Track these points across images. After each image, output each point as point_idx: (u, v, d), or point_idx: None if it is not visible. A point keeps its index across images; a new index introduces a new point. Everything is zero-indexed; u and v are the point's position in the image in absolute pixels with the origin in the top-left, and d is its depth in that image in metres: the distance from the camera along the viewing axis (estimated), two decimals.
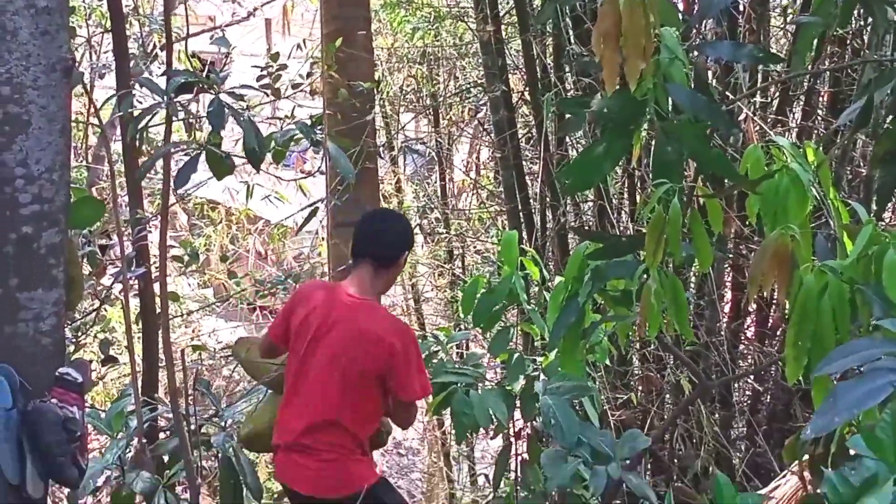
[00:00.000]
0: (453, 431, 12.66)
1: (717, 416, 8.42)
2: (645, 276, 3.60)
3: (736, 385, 8.81)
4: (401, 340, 4.57)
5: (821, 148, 4.05)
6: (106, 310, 9.36)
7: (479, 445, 13.09)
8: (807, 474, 4.35)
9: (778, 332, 8.45)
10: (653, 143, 3.31)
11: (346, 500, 4.63)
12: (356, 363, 4.57)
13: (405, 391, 4.60)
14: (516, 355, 5.14)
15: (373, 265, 4.71)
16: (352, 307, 4.68)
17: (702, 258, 3.52)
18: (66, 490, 7.90)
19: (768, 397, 8.69)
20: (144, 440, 6.34)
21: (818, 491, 2.62)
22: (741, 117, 7.19)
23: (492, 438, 9.86)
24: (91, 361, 5.01)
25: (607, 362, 8.32)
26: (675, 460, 8.32)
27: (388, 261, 4.72)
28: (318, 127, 5.93)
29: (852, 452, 3.27)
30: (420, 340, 5.75)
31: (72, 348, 6.96)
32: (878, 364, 2.50)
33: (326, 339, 4.66)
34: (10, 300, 3.75)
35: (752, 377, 8.61)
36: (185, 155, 6.76)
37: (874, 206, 6.74)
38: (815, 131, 7.91)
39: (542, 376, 4.90)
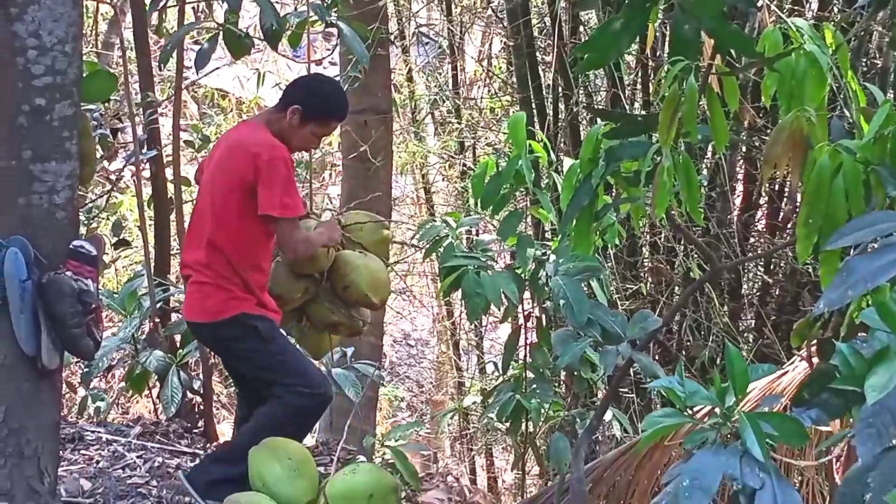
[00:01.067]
0: (462, 319, 12.81)
1: (725, 307, 8.45)
2: (658, 156, 3.59)
3: (745, 276, 8.83)
4: (269, 154, 4.50)
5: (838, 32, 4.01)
6: (116, 197, 9.39)
7: (487, 336, 13.18)
8: (814, 359, 4.38)
9: (789, 225, 8.44)
10: (668, 27, 3.27)
11: (221, 326, 4.64)
12: (226, 174, 4.59)
13: (263, 203, 4.48)
14: (525, 237, 5.14)
15: (276, 105, 4.80)
16: (237, 129, 4.93)
17: (718, 137, 3.50)
18: (79, 370, 8.01)
19: (777, 289, 8.71)
20: (157, 320, 6.41)
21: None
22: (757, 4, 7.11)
23: (500, 323, 9.92)
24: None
25: (617, 252, 8.35)
26: (683, 350, 8.38)
27: (282, 104, 4.72)
28: (333, 10, 5.87)
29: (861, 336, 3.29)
30: (429, 225, 5.74)
31: (83, 231, 6.98)
32: (893, 239, 2.49)
33: (211, 164, 4.77)
34: (24, 172, 3.77)
35: (761, 269, 8.62)
36: (199, 39, 6.72)
37: (890, 94, 6.71)
38: (832, 22, 7.81)
39: (552, 258, 4.89)
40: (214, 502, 4.48)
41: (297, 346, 4.95)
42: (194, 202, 4.97)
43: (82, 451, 6.11)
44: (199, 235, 4.67)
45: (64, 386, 6.61)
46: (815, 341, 4.12)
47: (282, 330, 4.81)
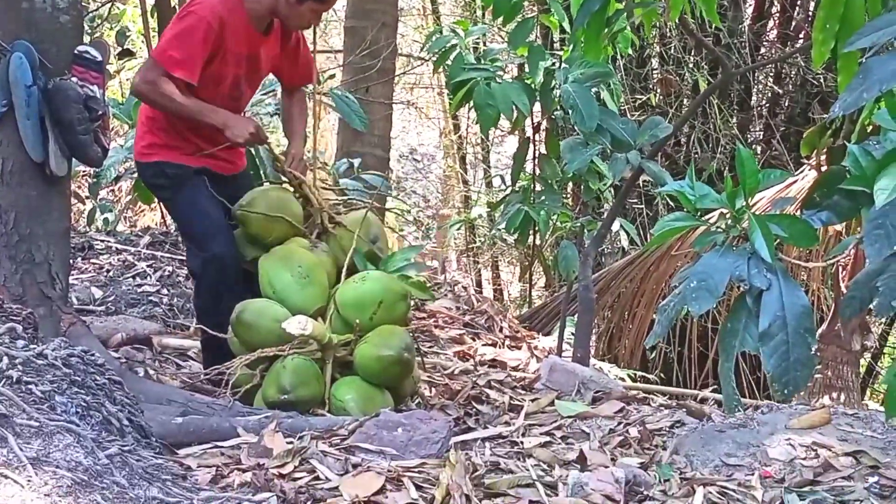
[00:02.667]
0: (469, 133, 12.78)
1: (734, 118, 8.41)
2: None
3: (755, 87, 8.77)
4: (191, 7, 4.23)
5: None
6: (119, 7, 9.24)
7: (494, 150, 13.15)
8: (824, 167, 4.37)
9: (801, 34, 8.34)
10: None
11: (145, 169, 4.52)
12: None
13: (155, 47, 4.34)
14: (536, 46, 5.07)
15: None
16: None
17: None
18: (87, 182, 8.02)
19: (787, 99, 8.66)
20: None
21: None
22: None
23: (510, 134, 9.88)
24: None
25: (626, 63, 8.26)
26: (690, 163, 8.36)
27: None
28: None
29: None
30: (437, 36, 5.66)
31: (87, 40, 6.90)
32: None
33: None
34: None
35: (771, 79, 8.54)
36: None
37: None
38: None
39: (562, 67, 4.84)
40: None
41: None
42: None
43: (92, 261, 6.17)
44: None
45: (72, 198, 6.63)
46: (825, 149, 4.10)
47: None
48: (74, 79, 3.79)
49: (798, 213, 2.72)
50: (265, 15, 4.36)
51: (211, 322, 4.39)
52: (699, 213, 2.82)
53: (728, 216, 2.68)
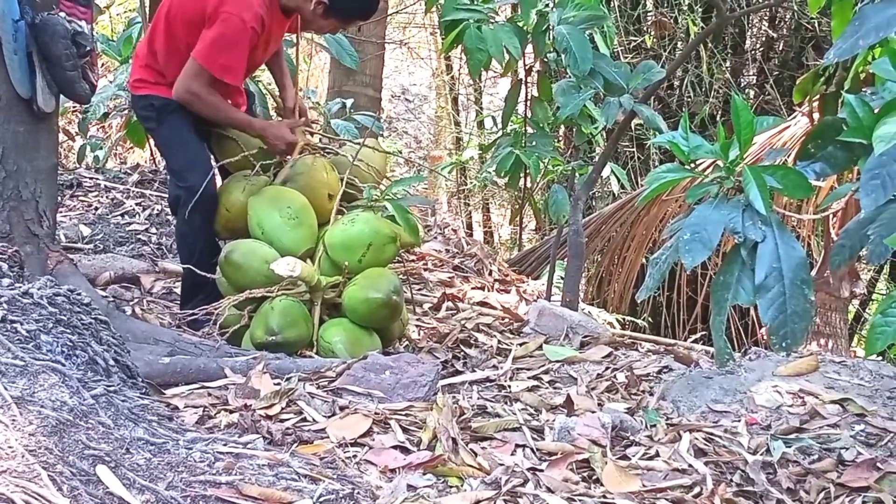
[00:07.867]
0: (462, 74, 12.68)
1: (728, 62, 8.37)
2: None
3: (749, 31, 8.73)
4: (235, 10, 4.25)
5: None
6: None
7: (486, 91, 13.07)
8: (816, 114, 4.34)
9: None
10: None
11: (137, 101, 4.63)
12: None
13: (197, 48, 4.30)
14: None
15: None
16: None
17: None
18: (76, 119, 7.95)
19: (781, 44, 8.62)
20: None
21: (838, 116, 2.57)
22: None
23: (501, 77, 9.82)
24: None
25: (620, 4, 8.20)
26: (683, 107, 8.34)
27: None
28: None
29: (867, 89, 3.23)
30: None
31: None
32: None
33: None
34: None
35: (766, 23, 8.49)
36: None
37: None
38: None
39: (555, 9, 4.78)
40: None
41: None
42: None
43: (81, 198, 6.14)
44: (157, 26, 4.52)
45: (62, 134, 6.57)
46: (817, 96, 4.07)
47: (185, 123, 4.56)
48: (62, 14, 3.74)
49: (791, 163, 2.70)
50: (292, 8, 4.46)
51: (188, 254, 4.49)
52: (692, 164, 2.80)
53: (721, 167, 2.66)
